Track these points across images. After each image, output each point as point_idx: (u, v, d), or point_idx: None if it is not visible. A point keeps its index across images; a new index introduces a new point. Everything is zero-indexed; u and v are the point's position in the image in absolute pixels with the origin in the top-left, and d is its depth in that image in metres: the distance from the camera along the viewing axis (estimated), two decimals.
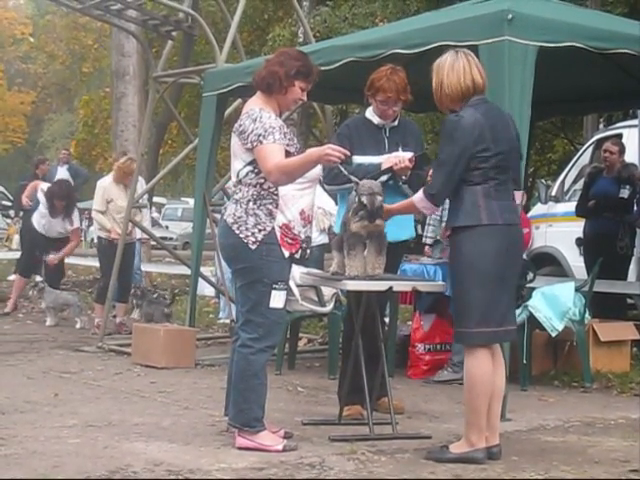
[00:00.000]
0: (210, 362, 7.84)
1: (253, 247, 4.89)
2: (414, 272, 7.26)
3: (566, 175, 11.13)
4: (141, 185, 10.44)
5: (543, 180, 13.88)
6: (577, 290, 7.16)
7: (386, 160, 5.72)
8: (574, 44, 6.14)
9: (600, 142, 10.30)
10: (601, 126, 15.54)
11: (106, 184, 10.12)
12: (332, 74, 6.63)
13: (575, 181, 10.82)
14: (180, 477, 4.37)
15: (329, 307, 7.40)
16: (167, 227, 33.56)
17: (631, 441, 5.27)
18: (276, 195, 4.95)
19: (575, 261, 10.03)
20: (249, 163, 4.94)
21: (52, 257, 10.72)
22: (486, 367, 4.70)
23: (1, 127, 45.92)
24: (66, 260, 11.64)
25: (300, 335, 8.54)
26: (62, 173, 13.77)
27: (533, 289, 7.23)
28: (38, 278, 11.18)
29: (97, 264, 10.90)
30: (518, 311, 6.59)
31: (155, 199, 23.57)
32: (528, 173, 16.42)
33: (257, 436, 4.92)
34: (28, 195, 11.71)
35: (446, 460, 4.72)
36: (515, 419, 5.77)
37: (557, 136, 19.36)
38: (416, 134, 6.09)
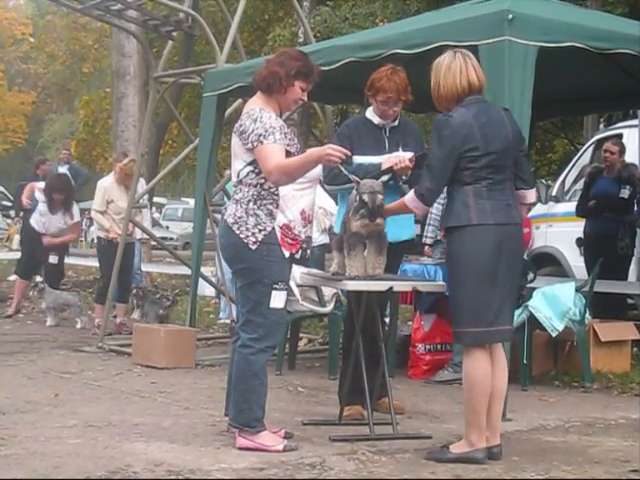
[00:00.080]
0: (210, 362, 7.84)
1: (253, 247, 4.89)
2: (414, 272, 7.26)
3: (566, 175, 11.12)
4: (141, 185, 10.42)
5: (543, 180, 13.88)
6: (577, 290, 7.16)
7: (386, 160, 5.71)
8: (574, 44, 6.14)
9: (600, 142, 10.30)
10: (601, 126, 15.53)
11: (107, 184, 10.10)
12: (332, 74, 6.62)
13: (575, 181, 10.81)
14: (180, 477, 4.37)
15: (329, 307, 7.41)
16: (167, 227, 33.54)
17: (631, 441, 5.26)
18: (276, 195, 4.95)
19: (575, 261, 10.03)
20: (249, 163, 4.94)
21: (49, 239, 10.69)
22: (484, 367, 4.69)
23: (1, 127, 45.96)
24: (66, 260, 11.64)
25: (300, 335, 8.54)
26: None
27: (533, 289, 7.22)
28: (38, 278, 11.17)
29: (97, 264, 10.88)
30: (518, 311, 6.60)
31: (155, 199, 23.55)
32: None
33: (257, 436, 4.92)
34: (27, 196, 11.71)
35: (446, 460, 4.72)
36: (515, 419, 5.76)
37: (557, 136, 19.33)
38: (416, 134, 6.07)
